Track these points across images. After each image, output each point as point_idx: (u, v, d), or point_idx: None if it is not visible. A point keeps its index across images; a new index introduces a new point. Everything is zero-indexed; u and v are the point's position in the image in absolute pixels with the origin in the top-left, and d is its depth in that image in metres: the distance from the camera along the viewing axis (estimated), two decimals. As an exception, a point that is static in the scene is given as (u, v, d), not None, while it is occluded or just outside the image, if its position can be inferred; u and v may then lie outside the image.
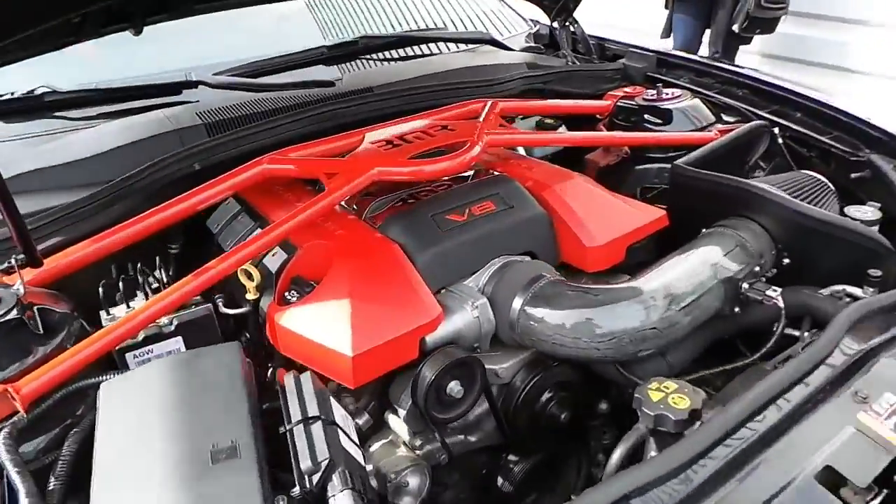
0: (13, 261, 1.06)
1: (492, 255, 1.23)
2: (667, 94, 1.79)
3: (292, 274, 1.18)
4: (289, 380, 0.93)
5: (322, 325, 1.06)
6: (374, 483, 1.16)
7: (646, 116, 1.73)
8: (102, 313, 1.12)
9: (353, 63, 1.92)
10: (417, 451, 1.16)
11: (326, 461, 0.82)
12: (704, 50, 3.91)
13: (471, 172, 1.41)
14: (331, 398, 0.94)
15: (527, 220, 1.28)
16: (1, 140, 1.53)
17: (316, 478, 0.81)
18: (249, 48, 1.89)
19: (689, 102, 1.78)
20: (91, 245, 1.18)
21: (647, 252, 1.37)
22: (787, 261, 1.31)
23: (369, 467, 1.16)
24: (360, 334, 1.03)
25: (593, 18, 2.30)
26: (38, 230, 1.19)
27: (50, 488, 0.87)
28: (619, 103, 1.80)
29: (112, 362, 1.07)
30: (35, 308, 1.01)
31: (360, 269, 1.13)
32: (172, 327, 1.09)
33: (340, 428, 0.90)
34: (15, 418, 0.91)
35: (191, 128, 1.49)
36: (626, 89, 1.90)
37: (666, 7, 3.94)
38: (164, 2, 1.49)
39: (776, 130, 1.64)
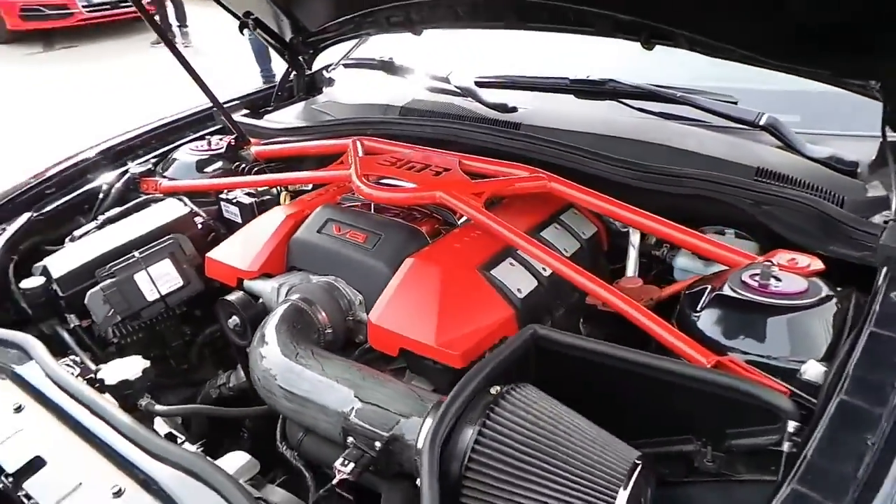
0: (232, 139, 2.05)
1: (335, 272, 1.42)
2: (778, 283, 1.13)
3: None
4: None
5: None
6: None
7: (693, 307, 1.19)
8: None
9: (587, 101, 1.87)
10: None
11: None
12: None
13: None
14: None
15: (365, 266, 1.37)
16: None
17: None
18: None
19: (820, 314, 1.08)
20: (280, 147, 2.02)
21: None
22: None
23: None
24: (219, 251, 1.58)
25: None
26: (277, 132, 2.09)
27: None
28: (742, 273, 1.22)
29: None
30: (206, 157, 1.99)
31: (265, 221, 1.59)
32: (234, 200, 1.84)
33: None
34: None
35: (391, 105, 2.05)
36: (795, 256, 1.23)
37: None
38: (429, 14, 1.97)
39: None
